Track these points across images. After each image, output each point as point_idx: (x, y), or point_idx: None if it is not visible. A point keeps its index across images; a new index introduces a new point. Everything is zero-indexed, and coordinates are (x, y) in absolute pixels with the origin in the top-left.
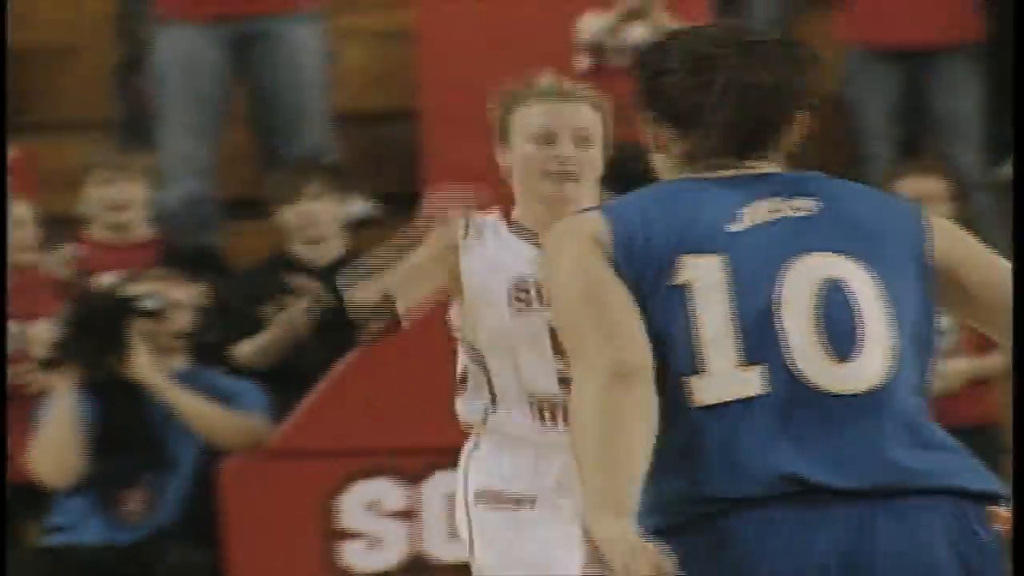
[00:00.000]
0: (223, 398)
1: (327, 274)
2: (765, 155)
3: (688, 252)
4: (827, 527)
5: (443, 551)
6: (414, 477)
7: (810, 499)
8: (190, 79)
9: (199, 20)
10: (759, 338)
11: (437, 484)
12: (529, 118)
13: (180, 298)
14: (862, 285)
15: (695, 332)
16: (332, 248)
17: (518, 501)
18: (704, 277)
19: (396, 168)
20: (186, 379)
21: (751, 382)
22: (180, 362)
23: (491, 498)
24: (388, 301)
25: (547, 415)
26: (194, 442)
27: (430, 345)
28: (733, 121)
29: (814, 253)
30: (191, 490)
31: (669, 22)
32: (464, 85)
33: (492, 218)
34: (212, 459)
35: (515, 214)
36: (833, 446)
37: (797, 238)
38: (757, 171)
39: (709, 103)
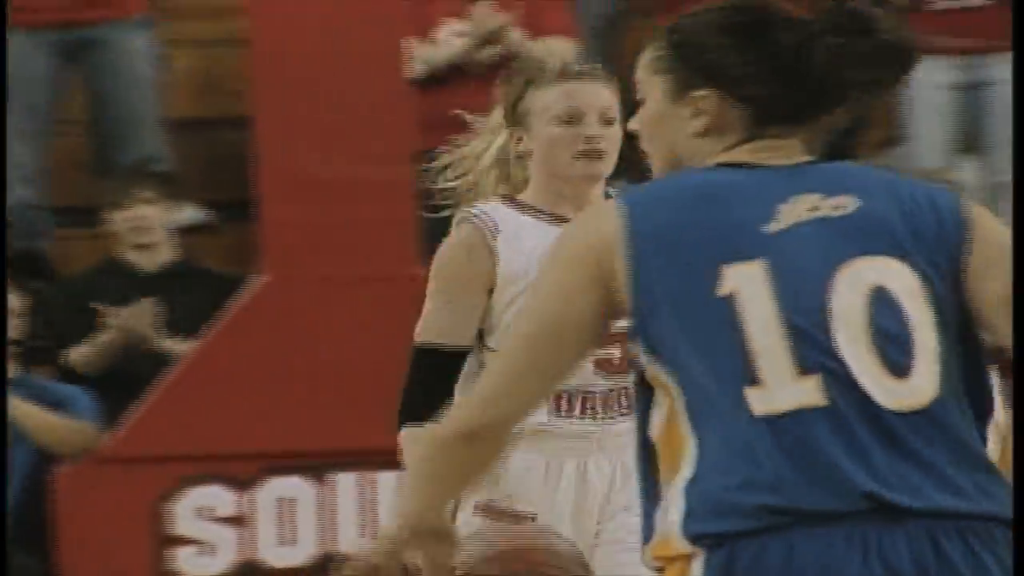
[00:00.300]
0: (53, 404)
1: (157, 280)
2: (814, 130)
3: (728, 260)
4: (904, 546)
5: (274, 557)
6: (246, 483)
7: (884, 517)
8: (21, 86)
9: (31, 27)
10: (813, 348)
11: (271, 490)
12: (551, 99)
13: (10, 305)
14: (910, 290)
15: (746, 343)
16: (163, 255)
17: (519, 517)
18: (748, 286)
19: (228, 175)
20: (16, 385)
21: (811, 392)
22: (10, 369)
23: (490, 512)
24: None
25: (564, 404)
26: (26, 448)
27: (262, 350)
28: (805, 81)
29: (861, 256)
30: (23, 496)
31: (522, 39)
32: (296, 92)
33: (499, 207)
34: (45, 465)
35: (528, 198)
36: (897, 464)
37: (841, 240)
38: (794, 161)
39: (785, 64)
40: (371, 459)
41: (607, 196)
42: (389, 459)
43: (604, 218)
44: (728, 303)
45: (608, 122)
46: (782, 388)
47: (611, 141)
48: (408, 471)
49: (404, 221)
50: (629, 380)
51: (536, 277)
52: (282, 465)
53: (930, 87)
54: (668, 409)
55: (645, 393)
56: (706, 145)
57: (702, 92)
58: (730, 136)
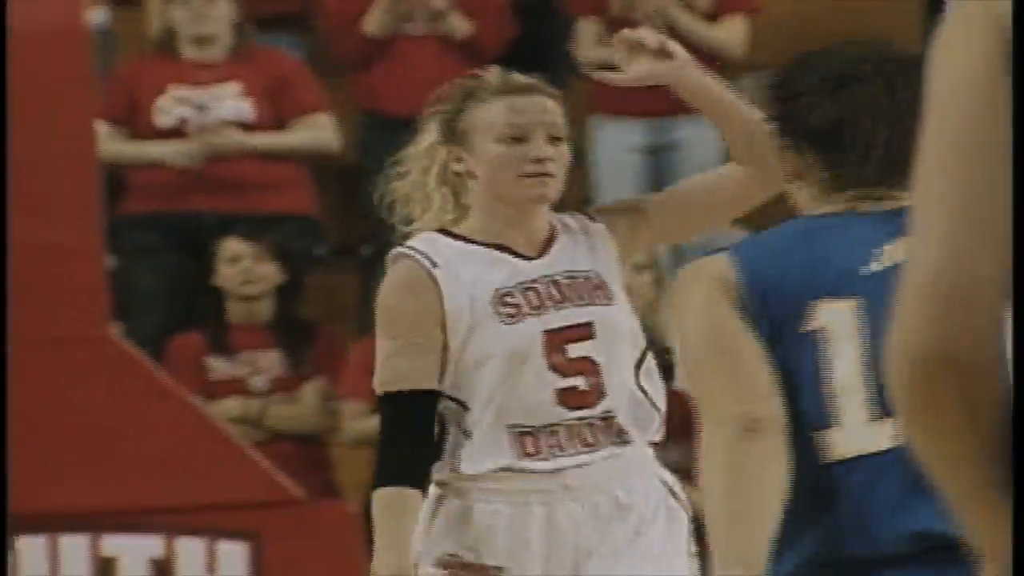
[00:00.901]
0: None
1: None
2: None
3: (822, 296)
4: None
5: None
6: None
7: (943, 556)
8: None
9: None
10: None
11: None
12: (494, 116)
13: None
14: None
15: (826, 381)
16: None
17: (485, 570)
18: (837, 323)
19: None
20: None
21: (882, 436)
22: None
23: (454, 566)
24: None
25: (529, 445)
26: None
27: None
28: (887, 145)
29: None
30: None
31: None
32: None
33: (437, 238)
34: None
35: (470, 226)
36: None
37: None
38: (898, 205)
39: (862, 126)
40: (59, 522)
41: (557, 221)
42: (77, 522)
43: (715, 263)
44: (815, 339)
45: (556, 139)
46: (856, 432)
47: (559, 160)
48: (713, 499)
49: (93, 282)
50: (595, 411)
51: (678, 325)
52: None
53: (618, 149)
54: None
55: None
56: (802, 194)
57: (784, 142)
58: (817, 185)
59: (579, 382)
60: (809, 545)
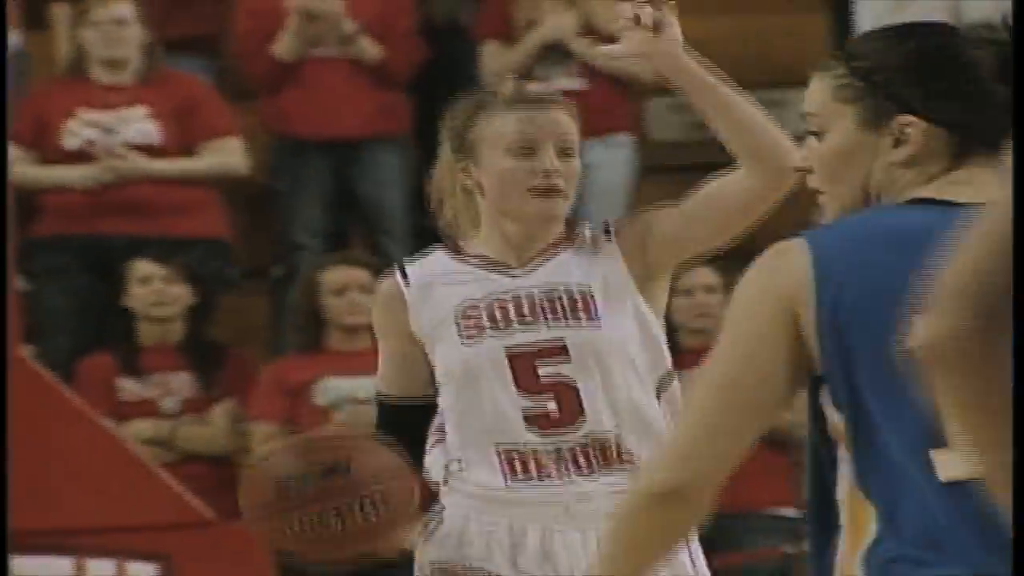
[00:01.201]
0: None
1: None
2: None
3: (919, 309)
4: None
5: None
6: None
7: None
8: None
9: None
10: None
11: None
12: (503, 128)
13: None
14: None
15: (932, 403)
16: None
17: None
18: None
19: None
20: None
21: None
22: None
23: (446, 574)
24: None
25: (518, 467)
26: None
27: None
28: (1003, 103)
29: None
30: None
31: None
32: None
33: (437, 255)
34: None
35: (473, 242)
36: None
37: None
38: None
39: (982, 85)
40: None
41: (571, 235)
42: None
43: (789, 259)
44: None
45: (567, 154)
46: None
47: (570, 176)
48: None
49: (4, 304)
50: (573, 437)
51: (724, 323)
52: None
53: None
54: (854, 466)
55: (826, 447)
56: (905, 175)
57: (907, 119)
58: (930, 165)
59: (550, 405)
60: (943, 563)
